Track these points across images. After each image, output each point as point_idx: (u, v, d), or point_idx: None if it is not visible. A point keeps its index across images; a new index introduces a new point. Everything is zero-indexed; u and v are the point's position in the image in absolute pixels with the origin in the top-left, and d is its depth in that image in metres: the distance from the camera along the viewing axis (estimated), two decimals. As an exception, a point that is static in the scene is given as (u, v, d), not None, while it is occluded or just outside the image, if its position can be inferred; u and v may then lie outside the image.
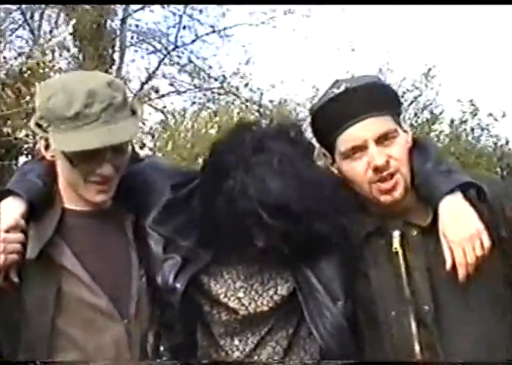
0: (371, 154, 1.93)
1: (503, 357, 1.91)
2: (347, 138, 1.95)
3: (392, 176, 1.94)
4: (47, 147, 1.98)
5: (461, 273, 1.85)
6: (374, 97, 1.96)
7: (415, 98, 15.90)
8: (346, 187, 2.02)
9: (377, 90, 1.99)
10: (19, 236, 1.89)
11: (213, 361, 2.03)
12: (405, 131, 2.02)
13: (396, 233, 1.97)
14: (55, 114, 1.88)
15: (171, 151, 14.44)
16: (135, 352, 1.97)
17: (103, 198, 1.99)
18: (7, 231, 1.87)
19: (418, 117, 16.05)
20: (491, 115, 15.80)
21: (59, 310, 1.92)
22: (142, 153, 14.46)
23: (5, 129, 9.66)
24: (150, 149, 14.93)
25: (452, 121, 16.13)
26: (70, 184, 2.00)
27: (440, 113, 16.08)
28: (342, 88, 1.98)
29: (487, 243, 1.84)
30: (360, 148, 1.94)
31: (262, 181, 1.83)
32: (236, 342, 2.03)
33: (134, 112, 1.99)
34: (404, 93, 15.77)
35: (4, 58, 12.27)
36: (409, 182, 1.96)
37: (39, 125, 1.94)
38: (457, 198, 1.89)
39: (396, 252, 1.97)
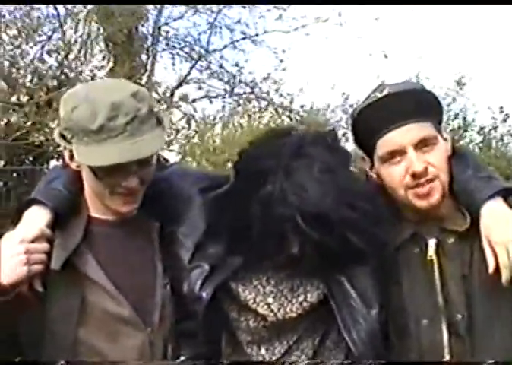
0: (409, 160, 1.94)
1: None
2: (386, 143, 1.97)
3: (429, 181, 1.94)
4: (72, 157, 1.96)
5: (505, 275, 1.84)
6: (416, 104, 1.96)
7: (447, 105, 15.78)
8: (383, 193, 2.03)
9: (419, 96, 1.99)
10: (44, 246, 1.88)
11: (235, 361, 2.02)
12: (445, 140, 2.02)
13: (432, 241, 1.98)
14: (79, 126, 1.85)
15: (200, 156, 14.49)
16: (157, 361, 1.95)
17: (129, 209, 1.99)
18: (32, 241, 1.85)
19: (449, 125, 15.94)
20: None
21: (83, 320, 1.91)
22: (172, 158, 14.56)
23: (36, 135, 9.75)
24: (179, 153, 15.00)
25: (481, 128, 16.00)
26: (95, 194, 1.99)
27: (472, 121, 15.96)
28: (384, 92, 1.99)
29: None
30: (399, 153, 1.95)
31: (302, 188, 1.80)
32: (263, 351, 2.03)
33: (159, 122, 1.96)
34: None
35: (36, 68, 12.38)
36: (446, 189, 1.97)
37: (63, 136, 1.92)
38: (499, 202, 1.91)
39: (431, 260, 1.97)
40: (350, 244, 1.84)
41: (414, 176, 1.92)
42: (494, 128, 16.04)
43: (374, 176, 2.05)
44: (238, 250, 1.96)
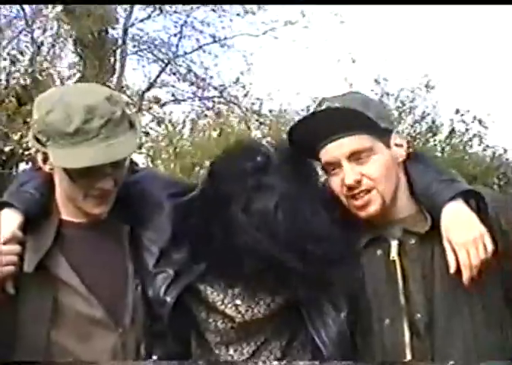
0: (344, 172, 2.01)
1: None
2: (324, 155, 2.05)
3: (366, 192, 2.01)
4: (45, 160, 1.99)
5: (465, 275, 1.89)
6: (351, 118, 2.01)
7: (412, 108, 15.98)
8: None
9: (351, 112, 2.02)
10: (15, 248, 1.92)
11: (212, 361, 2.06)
12: (396, 146, 2.07)
13: (395, 243, 2.04)
14: (54, 129, 1.89)
15: (168, 159, 14.50)
16: (129, 361, 1.99)
17: (102, 210, 2.03)
18: (4, 243, 1.89)
19: (416, 127, 16.12)
20: (480, 122, 15.89)
21: (55, 322, 1.95)
22: (141, 160, 14.54)
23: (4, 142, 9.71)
24: (149, 155, 15.00)
25: (451, 131, 16.18)
26: (68, 197, 2.02)
27: (435, 122, 16.15)
28: (323, 107, 2.05)
29: (490, 246, 1.90)
30: (335, 165, 2.03)
31: (262, 219, 1.89)
32: (231, 351, 2.07)
33: (132, 125, 2.00)
34: (403, 102, 15.85)
35: (5, 68, 12.32)
36: (389, 198, 2.03)
37: (37, 139, 1.95)
38: (460, 204, 1.96)
39: (394, 261, 2.03)
40: (311, 260, 1.91)
41: (348, 187, 2.00)
42: (461, 131, 16.23)
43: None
44: (201, 258, 2.02)
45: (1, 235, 1.90)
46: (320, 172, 2.13)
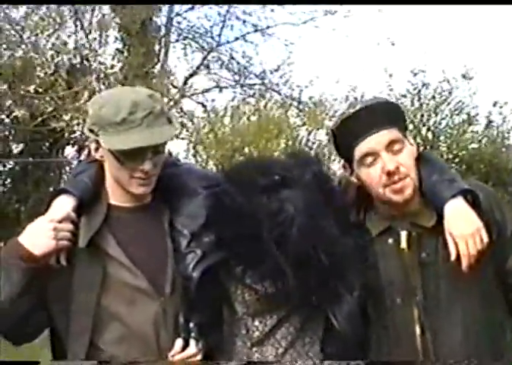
0: (383, 161, 2.25)
1: (487, 343, 2.24)
2: (362, 148, 2.28)
3: (401, 179, 2.25)
4: (97, 149, 2.32)
5: (464, 263, 2.15)
6: (383, 114, 2.28)
7: (452, 99, 15.89)
8: (362, 192, 2.37)
9: (385, 108, 2.32)
10: (69, 226, 2.22)
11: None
12: (411, 144, 2.34)
13: (404, 233, 2.29)
14: (105, 120, 2.22)
15: (211, 145, 14.68)
16: (170, 327, 2.28)
17: (144, 191, 2.32)
18: (59, 222, 2.20)
19: (454, 118, 16.05)
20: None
21: (104, 290, 2.26)
22: (183, 147, 14.78)
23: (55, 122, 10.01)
24: (191, 142, 15.24)
25: (489, 122, 16.10)
26: (116, 180, 2.33)
27: (475, 114, 16.06)
28: (357, 108, 2.31)
29: (485, 239, 2.16)
30: (373, 156, 2.26)
31: (282, 232, 2.16)
32: (256, 323, 2.31)
33: (170, 121, 2.32)
34: (441, 93, 15.83)
35: (52, 56, 12.61)
36: (417, 186, 2.28)
37: (91, 131, 2.28)
38: (460, 201, 2.21)
39: (403, 249, 2.28)
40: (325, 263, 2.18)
41: (388, 174, 2.24)
42: (496, 122, 16.09)
43: (355, 180, 2.37)
44: (227, 245, 2.28)
45: (57, 215, 2.22)
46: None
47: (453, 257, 2.17)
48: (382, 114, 2.28)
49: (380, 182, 2.26)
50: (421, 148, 14.42)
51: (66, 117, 11.10)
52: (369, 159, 2.27)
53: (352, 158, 2.32)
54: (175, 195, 2.41)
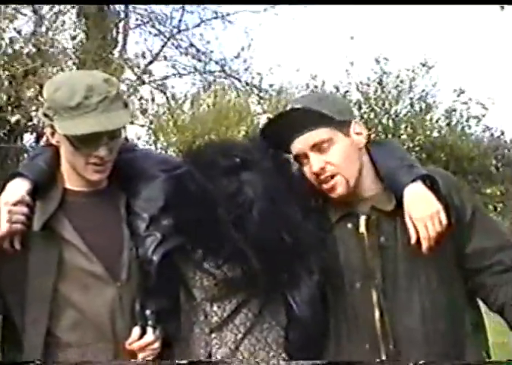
0: (310, 162, 2.28)
1: (447, 327, 2.24)
2: (293, 149, 2.31)
3: (331, 177, 2.27)
4: (53, 133, 2.28)
5: (424, 245, 2.16)
6: (308, 116, 2.27)
7: (411, 88, 16.04)
8: None
9: (309, 111, 2.28)
10: (24, 209, 2.18)
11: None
12: (357, 134, 2.33)
13: (363, 218, 2.29)
14: (60, 104, 2.18)
15: (171, 133, 14.66)
16: (126, 314, 2.26)
17: (100, 177, 2.29)
18: (13, 205, 2.16)
19: (415, 106, 16.20)
20: (479, 104, 16.00)
21: (60, 275, 2.22)
22: (144, 134, 14.70)
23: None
24: (150, 129, 15.16)
25: (447, 111, 16.27)
26: (71, 166, 2.29)
27: (435, 103, 16.23)
28: (288, 108, 2.36)
29: (444, 221, 2.17)
30: (303, 156, 2.30)
31: (239, 216, 2.15)
32: (215, 308, 2.29)
33: (126, 106, 2.30)
34: (401, 81, 15.95)
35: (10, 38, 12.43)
36: (354, 180, 2.29)
37: (46, 115, 2.24)
38: (419, 185, 2.22)
39: (362, 234, 2.28)
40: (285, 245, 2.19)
41: (315, 174, 2.27)
42: (455, 111, 16.29)
43: None
44: (186, 228, 2.25)
45: (11, 198, 2.18)
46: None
47: (413, 240, 2.18)
48: (306, 116, 2.28)
49: (313, 180, 2.30)
50: (383, 136, 14.58)
51: (23, 105, 10.95)
52: (301, 159, 2.32)
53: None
54: (132, 180, 2.37)
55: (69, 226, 2.26)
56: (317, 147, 2.27)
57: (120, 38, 15.21)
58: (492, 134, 16.81)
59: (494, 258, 2.27)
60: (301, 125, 2.27)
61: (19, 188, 2.22)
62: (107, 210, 2.35)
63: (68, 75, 2.42)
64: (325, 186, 2.28)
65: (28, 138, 13.65)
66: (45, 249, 2.22)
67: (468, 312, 2.32)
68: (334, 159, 2.28)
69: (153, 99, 15.46)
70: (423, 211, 2.17)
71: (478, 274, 2.28)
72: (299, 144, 2.29)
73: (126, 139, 2.41)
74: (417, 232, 2.17)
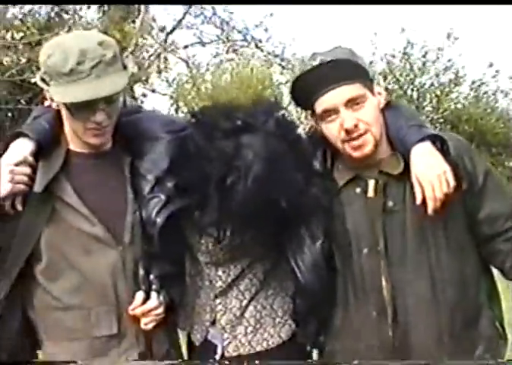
0: (342, 118, 2.19)
1: (459, 294, 2.18)
2: (322, 104, 2.21)
3: (361, 135, 2.19)
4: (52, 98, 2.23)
5: (430, 206, 2.09)
6: (343, 69, 2.20)
7: (438, 58, 15.80)
8: (327, 142, 2.28)
9: (347, 62, 2.22)
10: (26, 169, 2.15)
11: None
12: (376, 95, 2.26)
13: (371, 182, 2.23)
14: (54, 70, 2.13)
15: (193, 101, 14.61)
16: (129, 278, 2.23)
17: (100, 141, 2.24)
18: (16, 165, 2.13)
19: (440, 78, 15.98)
20: (509, 78, 15.78)
21: (51, 227, 2.19)
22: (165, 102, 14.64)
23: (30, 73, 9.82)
24: (172, 97, 15.12)
25: (473, 82, 16.04)
26: (72, 129, 2.24)
27: (462, 75, 15.98)
28: (317, 61, 2.23)
29: (452, 182, 2.09)
30: (333, 112, 2.20)
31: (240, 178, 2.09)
32: (220, 272, 2.27)
33: (125, 67, 2.23)
34: (426, 52, 15.72)
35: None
36: (378, 140, 2.21)
37: (43, 80, 2.19)
38: (427, 145, 2.15)
39: (371, 198, 2.22)
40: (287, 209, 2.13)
41: (346, 131, 2.18)
42: (484, 83, 16.07)
43: (320, 129, 2.30)
44: (186, 193, 2.21)
45: (14, 158, 2.14)
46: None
47: (418, 201, 2.11)
48: (343, 68, 2.21)
49: (339, 137, 2.21)
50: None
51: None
52: (329, 114, 2.22)
53: (314, 111, 2.27)
54: (137, 141, 2.33)
55: (70, 188, 2.22)
56: (351, 103, 2.19)
57: (142, 6, 15.12)
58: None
59: (507, 224, 2.20)
60: (336, 77, 2.19)
61: (22, 148, 2.18)
62: (111, 172, 2.30)
63: (62, 39, 2.26)
64: (353, 144, 2.20)
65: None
66: (42, 208, 2.19)
67: (482, 282, 2.25)
68: (366, 117, 2.20)
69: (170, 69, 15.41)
70: (430, 171, 2.10)
71: (491, 240, 2.21)
72: (332, 98, 2.20)
73: (124, 104, 2.33)
74: (423, 192, 2.10)
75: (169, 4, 15.09)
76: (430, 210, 2.09)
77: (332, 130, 2.22)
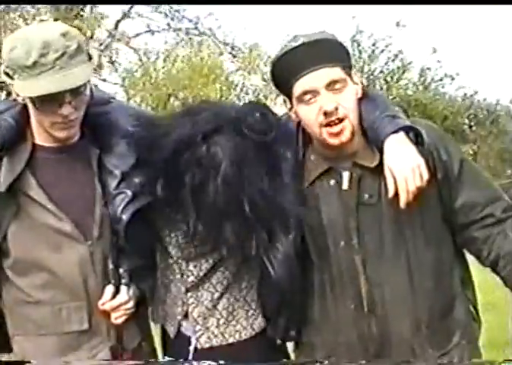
0: (322, 100, 2.13)
1: (435, 285, 2.19)
2: (302, 85, 2.16)
3: (340, 121, 2.14)
4: None
5: (402, 199, 2.06)
6: (326, 51, 2.16)
7: (386, 46, 15.96)
8: (302, 131, 2.26)
9: (329, 45, 2.19)
10: None
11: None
12: (355, 83, 2.22)
13: (346, 174, 2.20)
14: (17, 63, 2.08)
15: (145, 90, 14.51)
16: (98, 273, 2.21)
17: (67, 135, 2.20)
18: None
19: (389, 65, 16.15)
20: (453, 62, 16.09)
21: (16, 224, 2.17)
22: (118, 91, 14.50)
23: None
24: (123, 86, 14.98)
25: (422, 70, 16.24)
26: (39, 123, 2.20)
27: (410, 62, 16.18)
28: (299, 42, 2.17)
29: (425, 175, 2.06)
30: (312, 93, 2.14)
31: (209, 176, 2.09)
32: (191, 267, 2.25)
33: (90, 58, 2.18)
34: (376, 41, 15.86)
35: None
36: (356, 128, 2.17)
37: (6, 74, 2.14)
38: (400, 136, 2.12)
39: (345, 191, 2.20)
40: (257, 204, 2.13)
41: (326, 114, 2.13)
42: (429, 69, 16.27)
43: (294, 116, 2.25)
44: (153, 190, 2.19)
45: None
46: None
47: (391, 193, 2.09)
48: (325, 50, 2.17)
49: (317, 121, 2.16)
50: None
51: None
52: (308, 96, 2.16)
53: (292, 94, 2.21)
54: (105, 134, 2.29)
55: (35, 183, 2.18)
56: (332, 86, 2.15)
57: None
58: (465, 94, 16.84)
59: (484, 212, 2.19)
60: (319, 58, 2.14)
61: None
62: (79, 165, 2.26)
63: (24, 32, 2.22)
64: (331, 130, 2.15)
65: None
66: (8, 208, 2.17)
67: (456, 268, 2.26)
68: (346, 102, 2.16)
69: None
70: (403, 164, 2.07)
71: (468, 228, 2.20)
72: (313, 80, 2.14)
73: (91, 96, 2.27)
74: (396, 185, 2.08)
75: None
76: (402, 203, 2.08)
77: (310, 113, 2.16)
